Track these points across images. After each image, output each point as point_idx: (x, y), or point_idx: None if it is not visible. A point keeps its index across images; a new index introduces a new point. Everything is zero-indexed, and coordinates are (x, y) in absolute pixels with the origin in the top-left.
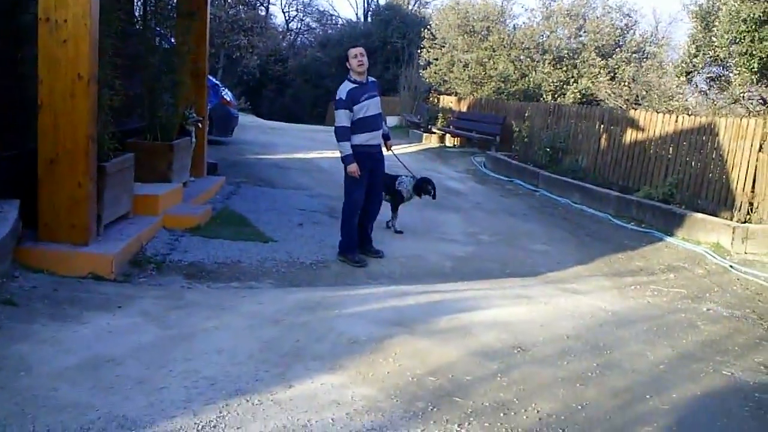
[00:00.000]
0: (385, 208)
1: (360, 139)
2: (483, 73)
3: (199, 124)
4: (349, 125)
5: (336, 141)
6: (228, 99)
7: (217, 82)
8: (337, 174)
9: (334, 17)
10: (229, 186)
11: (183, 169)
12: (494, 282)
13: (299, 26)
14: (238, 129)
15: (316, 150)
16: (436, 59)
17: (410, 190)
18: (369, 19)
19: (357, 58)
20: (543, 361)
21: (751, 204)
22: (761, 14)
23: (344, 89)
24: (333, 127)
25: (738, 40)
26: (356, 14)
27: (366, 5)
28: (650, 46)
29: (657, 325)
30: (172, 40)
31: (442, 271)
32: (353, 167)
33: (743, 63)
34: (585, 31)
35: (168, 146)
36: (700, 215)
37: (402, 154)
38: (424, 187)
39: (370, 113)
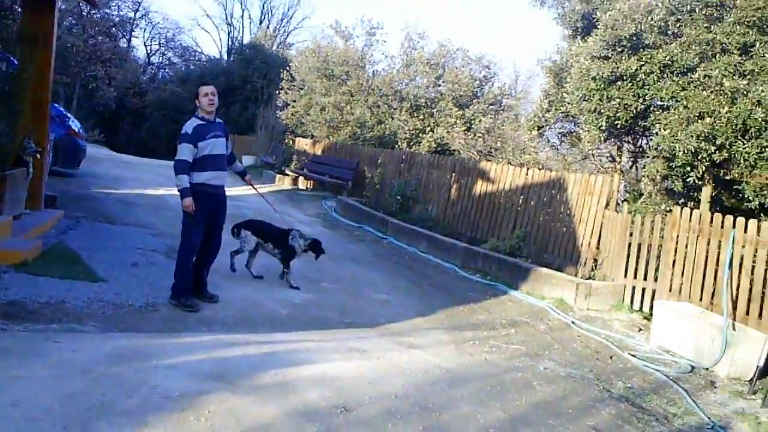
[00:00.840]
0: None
1: (203, 177)
2: (340, 117)
3: (38, 155)
4: (191, 161)
5: (175, 174)
6: (76, 129)
7: (65, 111)
8: (179, 211)
9: (197, 53)
10: (67, 220)
11: (16, 201)
12: (330, 333)
13: (161, 60)
14: (88, 161)
15: (166, 186)
16: (295, 101)
17: (302, 245)
18: (231, 57)
19: (208, 96)
20: (367, 424)
21: (595, 260)
22: (609, 73)
23: (191, 125)
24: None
25: (588, 97)
26: (219, 51)
27: (230, 43)
28: (507, 98)
29: (491, 385)
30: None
31: (278, 318)
32: (189, 201)
33: (592, 120)
34: (444, 81)
35: (0, 176)
36: (545, 270)
37: (253, 194)
38: (318, 247)
39: (216, 152)
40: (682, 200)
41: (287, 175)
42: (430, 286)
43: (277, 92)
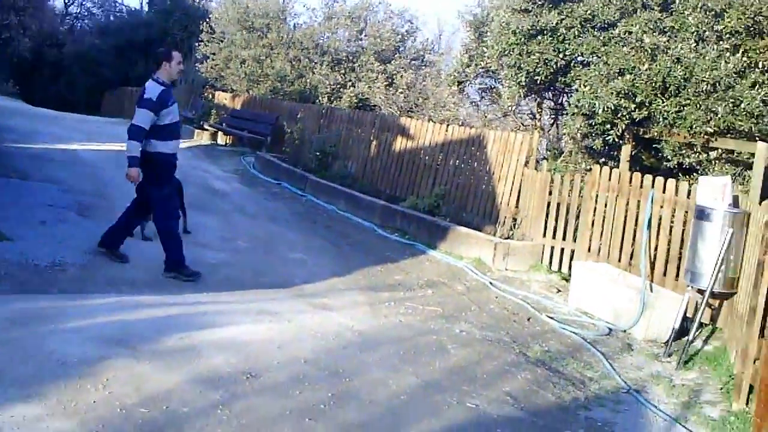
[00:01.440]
0: None
1: (169, 147)
2: (260, 70)
3: None
4: (148, 128)
5: (128, 138)
6: None
7: None
8: (99, 169)
9: (117, 4)
10: None
11: None
12: (242, 294)
13: (79, 10)
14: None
15: (82, 141)
16: (214, 54)
17: None
18: (152, 9)
19: (180, 64)
20: (273, 390)
21: (514, 219)
22: (530, 27)
23: (155, 90)
24: (128, 123)
25: (507, 52)
26: (141, 2)
27: None
28: (430, 54)
29: (405, 349)
30: None
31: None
32: (134, 171)
33: (512, 76)
34: (366, 35)
35: None
36: (464, 229)
37: None
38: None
39: (176, 119)
40: (603, 159)
41: (206, 130)
42: (347, 245)
43: (197, 44)
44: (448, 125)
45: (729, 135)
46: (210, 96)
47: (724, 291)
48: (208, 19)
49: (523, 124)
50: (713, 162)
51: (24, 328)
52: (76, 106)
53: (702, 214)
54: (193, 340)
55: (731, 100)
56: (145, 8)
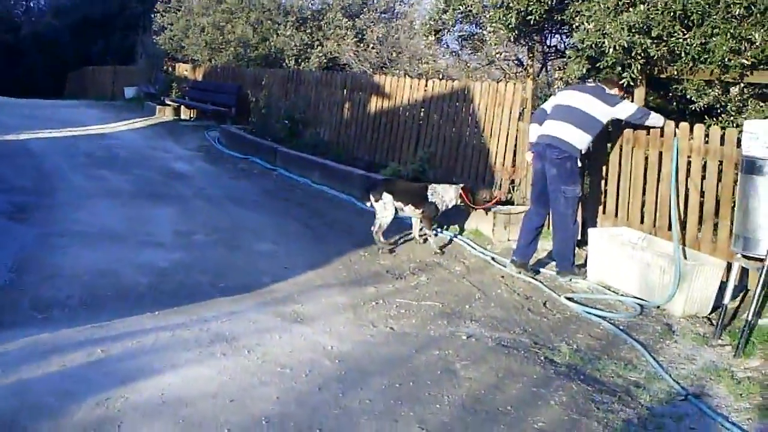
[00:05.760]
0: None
1: None
2: (221, 37)
3: None
4: None
5: None
6: None
7: None
8: (47, 160)
9: None
10: None
11: None
12: (195, 308)
13: None
14: None
15: (34, 129)
16: (172, 24)
17: None
18: None
19: None
20: None
21: (512, 181)
22: None
23: None
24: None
25: None
26: None
27: None
28: (400, 5)
29: (401, 378)
30: None
31: (135, 292)
32: None
33: (499, 18)
34: None
35: None
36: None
37: (131, 130)
38: None
39: None
40: None
41: (168, 105)
42: (324, 225)
43: (152, 15)
44: (427, 80)
45: (762, 67)
46: (170, 69)
47: None
48: None
49: (510, 73)
50: (734, 100)
51: None
52: (39, 91)
53: (753, 167)
54: (113, 406)
55: None
56: None
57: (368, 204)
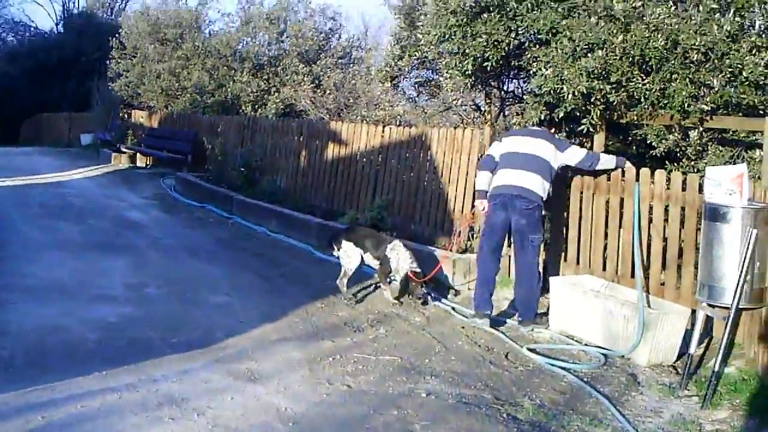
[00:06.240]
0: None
1: None
2: (177, 84)
3: None
4: None
5: None
6: None
7: None
8: None
9: (30, 28)
10: None
11: None
12: (145, 367)
13: None
14: None
15: None
16: (127, 70)
17: None
18: (67, 29)
19: None
20: None
21: (471, 228)
22: (473, 4)
23: None
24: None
25: (448, 36)
26: (56, 23)
27: (64, 14)
28: (357, 51)
29: None
30: None
31: (83, 349)
32: None
33: (455, 64)
34: (287, 36)
35: None
36: (413, 245)
37: (87, 178)
38: None
39: None
40: None
41: (124, 152)
42: (281, 276)
43: (108, 62)
44: (384, 126)
45: (721, 112)
46: (127, 115)
47: (750, 306)
48: (117, 35)
49: (468, 118)
50: (694, 145)
51: None
52: None
53: (716, 215)
54: None
55: (728, 70)
56: (59, 29)
57: (335, 254)
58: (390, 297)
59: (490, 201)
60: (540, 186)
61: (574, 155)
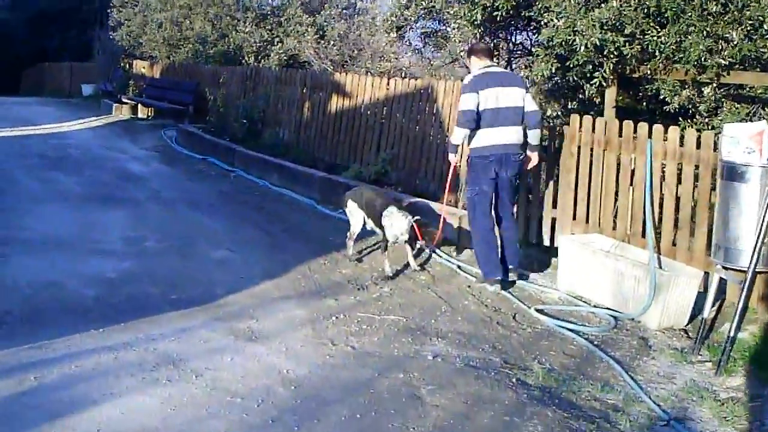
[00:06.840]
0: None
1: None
2: (179, 34)
3: None
4: None
5: None
6: None
7: None
8: None
9: None
10: None
11: None
12: (143, 324)
13: None
14: None
15: None
16: (129, 20)
17: None
18: None
19: None
20: None
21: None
22: None
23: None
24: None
25: None
26: None
27: None
28: (362, 1)
29: (363, 408)
30: None
31: (81, 305)
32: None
33: (464, 14)
34: None
35: None
36: (419, 200)
37: (87, 129)
38: None
39: None
40: (573, 103)
41: (125, 103)
42: (283, 231)
43: (109, 11)
44: (389, 78)
45: (739, 67)
46: (128, 66)
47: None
48: None
49: None
50: (708, 101)
51: None
52: None
53: (733, 173)
54: None
55: (749, 22)
56: None
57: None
58: (388, 270)
59: (480, 160)
60: (523, 135)
61: (533, 105)
